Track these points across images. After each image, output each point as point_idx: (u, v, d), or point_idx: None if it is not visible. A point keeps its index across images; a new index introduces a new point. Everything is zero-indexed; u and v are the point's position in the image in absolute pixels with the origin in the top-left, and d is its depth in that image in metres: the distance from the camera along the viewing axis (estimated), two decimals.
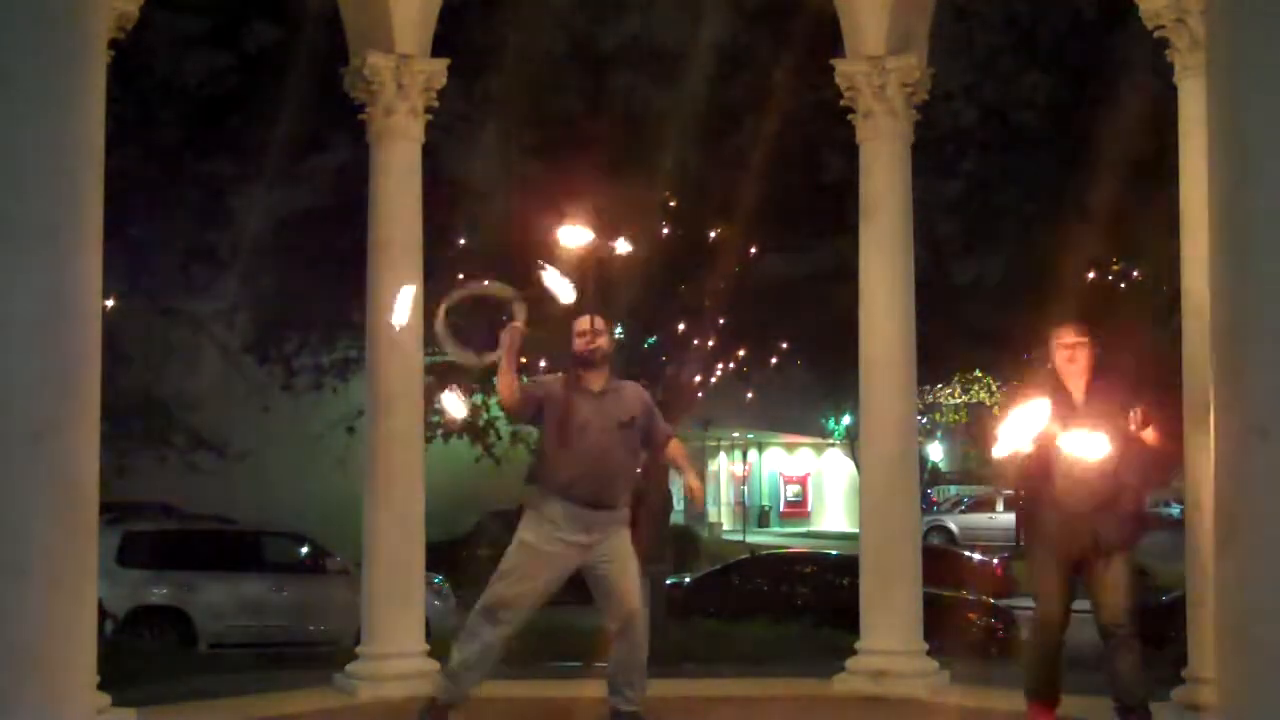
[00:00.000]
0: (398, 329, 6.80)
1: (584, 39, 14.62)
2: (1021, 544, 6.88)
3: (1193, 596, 6.87)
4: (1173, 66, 7.12)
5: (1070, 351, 6.63)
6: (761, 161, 13.68)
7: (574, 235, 6.39)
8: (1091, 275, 16.68)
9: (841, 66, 8.49)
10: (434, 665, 8.04)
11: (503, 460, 16.28)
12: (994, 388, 25.46)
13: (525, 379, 6.49)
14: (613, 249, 6.55)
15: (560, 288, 6.26)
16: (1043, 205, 15.49)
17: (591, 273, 6.51)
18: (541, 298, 6.40)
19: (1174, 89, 7.11)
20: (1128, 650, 6.44)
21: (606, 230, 6.55)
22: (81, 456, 4.25)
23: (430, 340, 7.33)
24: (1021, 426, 6.39)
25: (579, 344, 6.41)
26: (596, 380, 6.43)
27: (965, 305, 15.25)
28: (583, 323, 6.45)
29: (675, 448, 6.76)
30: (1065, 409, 6.48)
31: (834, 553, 21.13)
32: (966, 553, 25.10)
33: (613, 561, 6.38)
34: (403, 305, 6.59)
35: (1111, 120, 13.96)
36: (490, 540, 20.58)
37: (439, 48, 8.45)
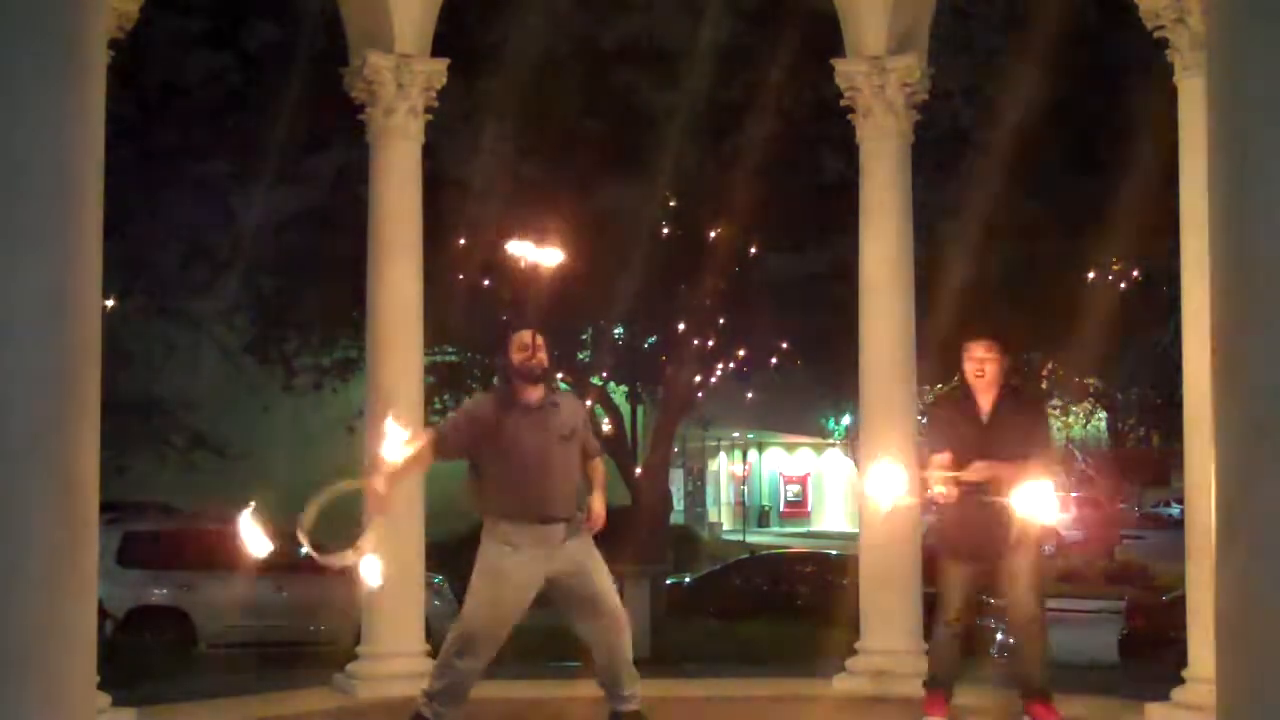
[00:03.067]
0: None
1: (584, 39, 14.61)
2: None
3: (1192, 597, 6.87)
4: (1173, 66, 7.12)
5: (978, 365, 6.81)
6: (761, 161, 13.70)
7: (538, 253, 6.49)
8: (1091, 275, 16.70)
9: (841, 66, 8.49)
10: (433, 665, 8.05)
11: None
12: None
13: (445, 418, 6.56)
14: (538, 264, 6.58)
15: (542, 256, 6.39)
16: (1043, 205, 15.49)
17: (537, 288, 6.57)
18: (532, 268, 6.48)
19: (1174, 89, 7.11)
20: (1034, 635, 6.78)
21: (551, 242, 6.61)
22: (81, 456, 4.24)
23: (430, 340, 7.33)
24: (894, 481, 6.62)
25: (519, 358, 6.36)
26: (534, 394, 6.38)
27: (965, 305, 15.25)
28: (524, 337, 6.41)
29: (596, 468, 6.61)
30: (971, 422, 6.75)
31: (834, 553, 21.13)
32: None
33: (579, 572, 6.32)
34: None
35: (1111, 120, 13.96)
36: None
37: (439, 48, 8.46)
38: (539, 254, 6.53)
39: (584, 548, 6.37)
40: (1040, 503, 6.30)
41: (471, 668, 6.36)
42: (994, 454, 6.56)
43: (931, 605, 7.94)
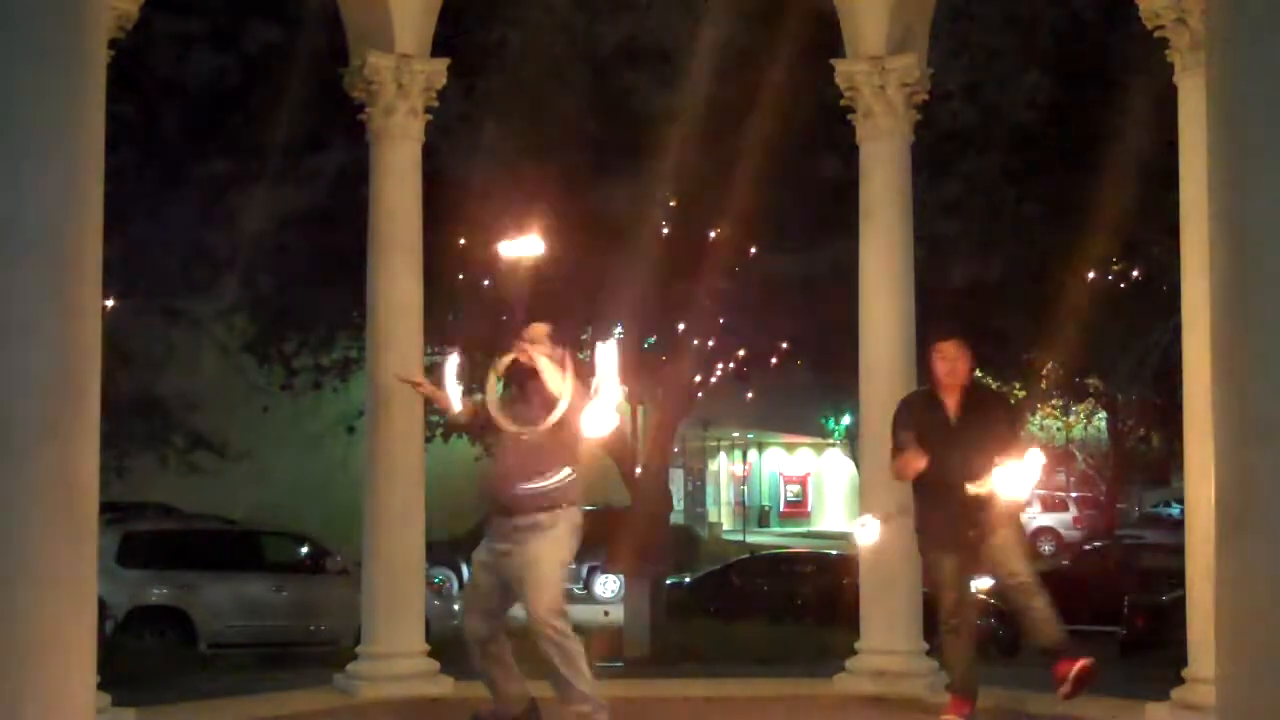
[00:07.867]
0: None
1: (584, 39, 14.60)
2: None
3: (1193, 596, 6.87)
4: (1172, 66, 7.11)
5: (950, 364, 6.89)
6: (762, 161, 13.68)
7: (521, 246, 6.44)
8: (1091, 275, 16.69)
9: (841, 66, 8.50)
10: (434, 665, 8.06)
11: None
12: (993, 388, 25.48)
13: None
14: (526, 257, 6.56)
15: (526, 247, 6.38)
16: (1043, 205, 15.48)
17: (520, 282, 6.57)
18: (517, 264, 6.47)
19: (1174, 89, 7.11)
20: (1033, 596, 6.65)
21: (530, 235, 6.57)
22: (81, 456, 4.24)
23: (429, 340, 7.33)
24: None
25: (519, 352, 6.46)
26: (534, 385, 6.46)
27: (965, 305, 15.25)
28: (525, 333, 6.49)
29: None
30: (940, 422, 6.80)
31: (834, 553, 21.14)
32: None
33: (517, 571, 6.22)
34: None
35: (1111, 120, 13.96)
36: None
37: (439, 48, 8.46)
38: (520, 248, 6.45)
39: (527, 555, 6.20)
40: (1015, 481, 6.42)
41: (480, 656, 6.40)
42: (962, 453, 6.61)
43: (931, 604, 7.96)
